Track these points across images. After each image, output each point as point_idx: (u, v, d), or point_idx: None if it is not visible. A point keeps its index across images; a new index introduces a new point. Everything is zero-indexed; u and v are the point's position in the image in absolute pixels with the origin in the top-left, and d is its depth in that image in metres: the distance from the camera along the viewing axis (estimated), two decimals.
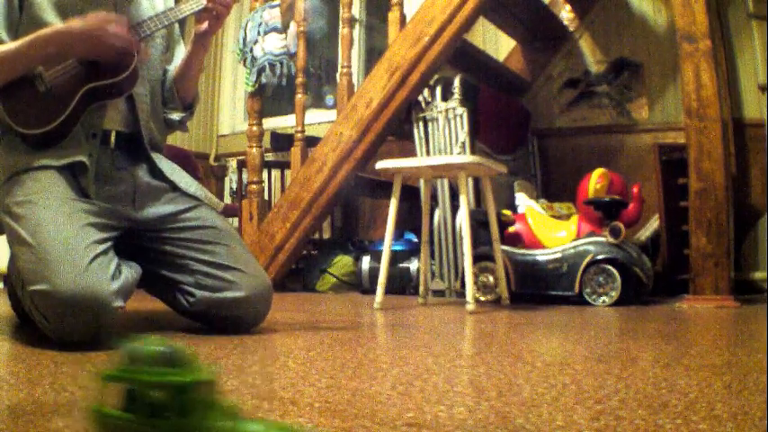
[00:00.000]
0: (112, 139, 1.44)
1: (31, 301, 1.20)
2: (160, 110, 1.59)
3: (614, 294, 2.42)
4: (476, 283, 2.60)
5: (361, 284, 3.24)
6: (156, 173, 1.50)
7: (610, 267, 2.44)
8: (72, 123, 1.34)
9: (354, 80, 3.25)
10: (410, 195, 3.10)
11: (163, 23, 1.46)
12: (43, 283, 1.16)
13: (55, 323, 1.16)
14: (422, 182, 2.57)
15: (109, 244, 1.29)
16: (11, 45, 1.30)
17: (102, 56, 1.34)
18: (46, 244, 1.20)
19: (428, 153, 2.88)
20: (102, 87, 1.36)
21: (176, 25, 1.68)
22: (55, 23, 1.34)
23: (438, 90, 2.87)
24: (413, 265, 3.11)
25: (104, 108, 1.41)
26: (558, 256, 2.57)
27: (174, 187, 1.51)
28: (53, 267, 1.16)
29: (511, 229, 2.75)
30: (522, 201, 2.97)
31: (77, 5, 1.38)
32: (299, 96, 3.18)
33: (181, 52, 1.65)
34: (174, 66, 1.63)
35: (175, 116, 1.62)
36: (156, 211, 1.46)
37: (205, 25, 1.54)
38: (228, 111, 4.92)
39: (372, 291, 2.76)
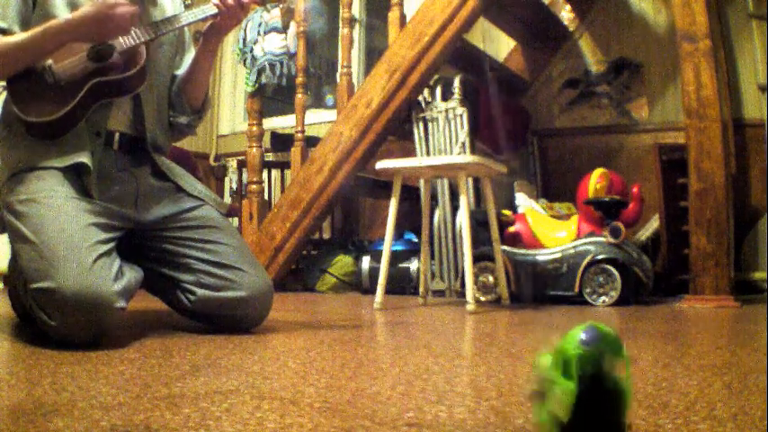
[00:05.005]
0: (116, 140, 1.44)
1: (33, 299, 1.20)
2: (166, 115, 1.58)
3: (614, 294, 2.42)
4: (476, 283, 2.60)
5: (361, 284, 3.24)
6: (159, 174, 1.50)
7: (610, 267, 2.44)
8: (77, 117, 1.34)
9: (354, 80, 3.25)
10: (410, 195, 3.10)
11: (173, 26, 1.45)
12: (46, 280, 1.16)
13: (58, 321, 1.16)
14: (422, 182, 2.57)
15: (112, 245, 1.29)
16: (23, 35, 1.30)
17: (110, 36, 1.33)
18: (49, 242, 1.20)
19: (428, 153, 2.88)
20: (109, 83, 1.36)
21: (187, 32, 1.67)
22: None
23: (438, 90, 2.87)
24: (413, 265, 3.11)
25: (110, 107, 1.41)
26: (558, 256, 2.57)
27: (178, 187, 1.51)
28: (57, 265, 1.16)
29: (511, 229, 2.75)
30: (522, 201, 2.97)
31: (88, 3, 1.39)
32: (299, 96, 3.18)
33: (190, 59, 1.64)
34: (183, 71, 1.63)
35: (182, 120, 1.61)
36: (159, 212, 1.46)
37: (212, 26, 1.53)
38: (228, 111, 4.92)
39: (372, 291, 2.76)
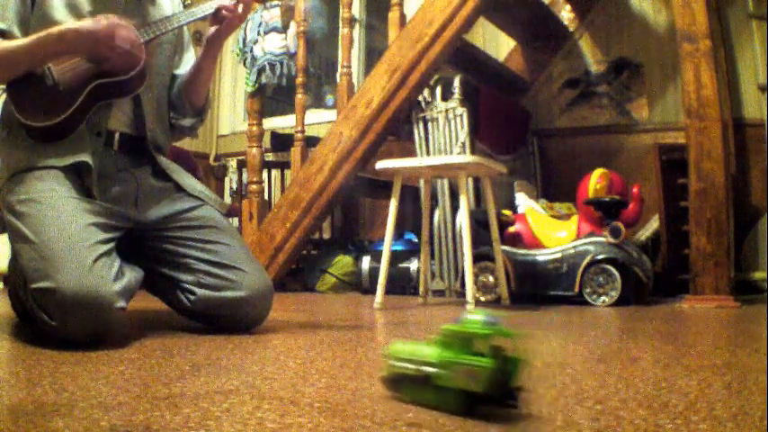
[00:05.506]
0: (116, 139, 1.44)
1: (33, 299, 1.20)
2: (166, 115, 1.59)
3: (614, 294, 2.42)
4: (476, 283, 2.60)
5: (361, 284, 3.24)
6: (159, 174, 1.50)
7: (610, 267, 2.44)
8: (78, 120, 1.34)
9: (354, 80, 3.25)
10: (410, 195, 3.10)
11: (172, 25, 1.45)
12: (47, 280, 1.16)
13: (58, 321, 1.16)
14: (422, 182, 2.57)
15: (112, 245, 1.29)
16: (22, 41, 1.30)
17: (108, 58, 1.34)
18: (50, 242, 1.20)
19: (428, 153, 2.88)
20: (109, 85, 1.36)
21: (186, 32, 1.67)
22: (65, 21, 1.34)
23: (438, 90, 2.87)
24: (413, 265, 3.11)
25: (110, 107, 1.41)
26: (558, 256, 2.57)
27: (178, 187, 1.51)
28: (57, 265, 1.16)
29: (511, 229, 2.75)
30: (522, 201, 2.97)
31: (87, 5, 1.39)
32: (299, 96, 3.18)
33: (190, 59, 1.65)
34: (184, 71, 1.63)
35: (185, 122, 1.62)
36: (159, 212, 1.46)
37: (215, 29, 1.53)
38: (228, 111, 4.92)
39: (372, 291, 2.76)
